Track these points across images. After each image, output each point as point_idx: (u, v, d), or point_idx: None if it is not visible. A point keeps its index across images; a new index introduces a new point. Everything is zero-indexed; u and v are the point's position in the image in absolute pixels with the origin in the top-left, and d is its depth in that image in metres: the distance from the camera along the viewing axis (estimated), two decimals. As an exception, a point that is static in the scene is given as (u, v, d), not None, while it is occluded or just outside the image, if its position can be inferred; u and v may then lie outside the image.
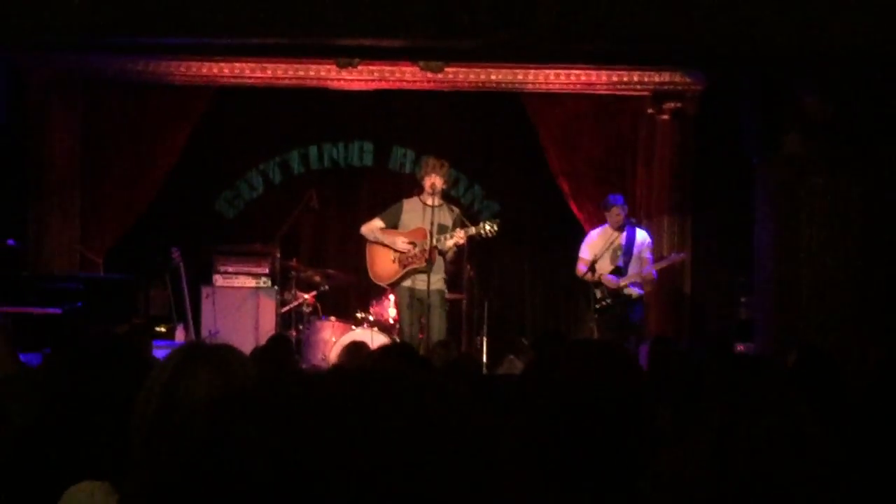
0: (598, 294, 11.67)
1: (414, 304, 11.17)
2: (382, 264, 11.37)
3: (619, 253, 11.75)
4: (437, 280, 11.17)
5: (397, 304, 11.68)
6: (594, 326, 11.74)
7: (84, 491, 2.64)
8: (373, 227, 11.44)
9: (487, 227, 11.00)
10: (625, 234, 11.77)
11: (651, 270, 11.80)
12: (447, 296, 11.41)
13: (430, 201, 11.15)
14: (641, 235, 11.95)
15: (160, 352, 9.95)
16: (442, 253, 11.11)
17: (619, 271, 11.71)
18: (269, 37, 10.12)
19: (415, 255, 11.15)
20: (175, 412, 2.59)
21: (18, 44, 10.91)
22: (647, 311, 12.59)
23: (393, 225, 11.37)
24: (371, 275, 11.53)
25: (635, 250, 11.78)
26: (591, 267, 11.61)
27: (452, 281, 11.51)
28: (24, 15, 9.71)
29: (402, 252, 11.22)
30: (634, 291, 11.83)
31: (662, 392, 5.00)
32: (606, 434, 2.49)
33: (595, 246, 11.82)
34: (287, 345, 9.51)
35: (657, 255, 12.43)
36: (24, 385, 4.40)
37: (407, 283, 11.22)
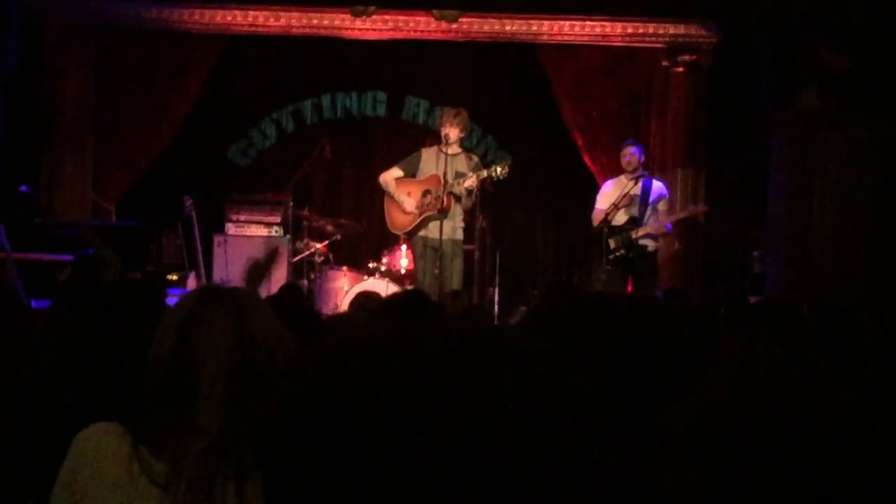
0: (612, 244, 11.54)
1: (428, 252, 11.16)
2: (399, 213, 11.37)
3: (635, 202, 11.61)
4: (454, 229, 11.17)
5: (412, 254, 11.70)
6: (604, 278, 11.67)
7: (97, 432, 2.64)
8: (389, 177, 11.43)
9: (499, 170, 10.96)
10: (640, 183, 11.63)
11: (665, 223, 11.68)
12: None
13: (447, 150, 11.14)
14: (658, 186, 11.75)
15: (173, 300, 9.96)
16: (458, 199, 11.09)
17: (633, 221, 11.58)
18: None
19: (429, 202, 11.14)
20: (190, 354, 2.59)
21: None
22: (659, 265, 12.55)
23: (411, 174, 11.36)
24: (388, 223, 11.54)
25: (650, 200, 11.63)
26: (604, 220, 11.50)
27: (465, 232, 11.48)
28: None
29: (409, 213, 11.22)
30: (650, 243, 11.68)
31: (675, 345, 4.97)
32: (622, 386, 2.48)
33: (608, 195, 11.69)
34: (298, 293, 9.51)
35: (674, 208, 12.38)
36: (37, 328, 4.42)
37: (422, 232, 11.21)
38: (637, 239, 11.49)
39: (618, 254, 11.49)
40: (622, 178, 11.78)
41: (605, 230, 11.51)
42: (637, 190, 11.58)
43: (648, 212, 11.58)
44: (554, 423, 1.16)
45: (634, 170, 11.63)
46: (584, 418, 1.19)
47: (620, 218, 11.56)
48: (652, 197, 11.60)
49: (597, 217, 11.69)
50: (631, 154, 11.66)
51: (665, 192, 11.87)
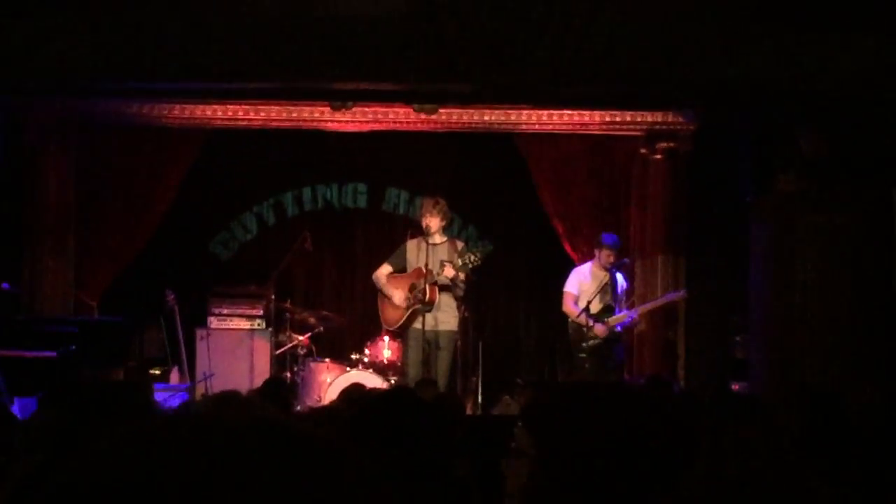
0: (592, 332, 11.81)
1: (419, 344, 11.20)
2: (390, 309, 11.51)
3: (609, 292, 11.93)
4: (445, 319, 11.26)
5: (395, 345, 11.76)
6: (587, 367, 11.84)
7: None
8: (380, 274, 11.62)
9: (471, 257, 11.08)
10: (610, 273, 11.98)
11: (633, 314, 12.03)
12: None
13: (432, 240, 11.24)
14: (620, 278, 12.28)
15: (158, 395, 9.94)
16: (446, 289, 11.19)
17: (609, 310, 11.97)
18: (265, 81, 10.15)
19: (415, 296, 11.20)
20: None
21: (13, 89, 10.92)
22: (640, 351, 12.72)
23: (401, 268, 11.48)
24: (381, 320, 11.67)
25: (619, 291, 11.98)
26: (587, 309, 11.72)
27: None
28: (18, 60, 9.73)
29: (400, 307, 11.31)
30: (619, 330, 12.13)
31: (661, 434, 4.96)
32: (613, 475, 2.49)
33: (586, 285, 11.96)
34: (283, 387, 9.48)
35: (653, 295, 12.65)
36: (24, 427, 4.39)
37: (416, 324, 11.25)
38: (612, 328, 11.80)
39: (594, 341, 11.77)
40: (591, 266, 12.06)
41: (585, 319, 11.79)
42: (607, 279, 11.89)
43: (619, 300, 11.93)
44: None
45: (609, 266, 11.97)
46: None
47: (595, 307, 11.84)
48: (619, 288, 11.95)
49: (569, 302, 11.92)
50: (609, 256, 12.05)
51: (627, 283, 12.32)
